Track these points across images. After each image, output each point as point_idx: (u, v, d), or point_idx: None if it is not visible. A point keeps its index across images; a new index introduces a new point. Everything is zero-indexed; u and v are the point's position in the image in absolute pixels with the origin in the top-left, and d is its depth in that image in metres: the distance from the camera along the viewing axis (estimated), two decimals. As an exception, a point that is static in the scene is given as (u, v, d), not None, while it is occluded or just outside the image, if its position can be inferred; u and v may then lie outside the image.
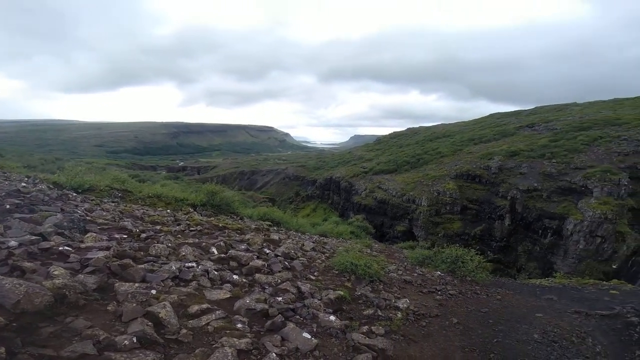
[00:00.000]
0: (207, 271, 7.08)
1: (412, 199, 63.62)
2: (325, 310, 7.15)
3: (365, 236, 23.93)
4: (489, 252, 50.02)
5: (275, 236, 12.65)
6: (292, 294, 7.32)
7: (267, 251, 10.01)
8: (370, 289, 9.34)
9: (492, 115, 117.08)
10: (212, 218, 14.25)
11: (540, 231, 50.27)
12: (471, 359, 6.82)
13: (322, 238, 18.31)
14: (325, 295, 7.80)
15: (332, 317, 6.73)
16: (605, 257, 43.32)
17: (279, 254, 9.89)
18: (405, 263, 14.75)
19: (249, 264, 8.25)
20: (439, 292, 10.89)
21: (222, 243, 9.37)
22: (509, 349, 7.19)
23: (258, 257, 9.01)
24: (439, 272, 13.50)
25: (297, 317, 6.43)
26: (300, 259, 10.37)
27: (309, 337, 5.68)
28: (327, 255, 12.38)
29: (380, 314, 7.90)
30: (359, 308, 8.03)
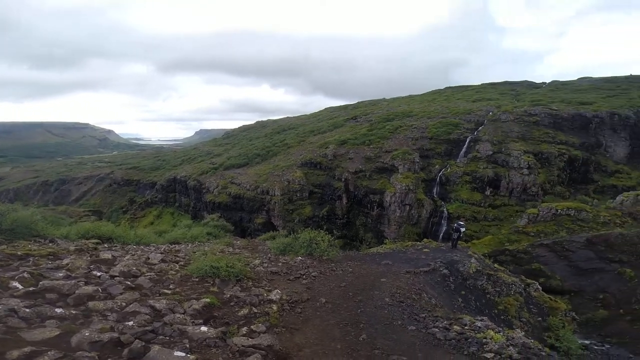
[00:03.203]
0: (13, 310, 5.88)
1: (266, 190, 65.09)
2: (193, 322, 6.59)
3: (224, 235, 22.75)
4: (335, 230, 56.68)
5: (107, 255, 10.74)
6: (146, 314, 6.44)
7: (98, 274, 8.43)
8: (239, 289, 8.99)
9: (326, 109, 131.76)
10: (5, 246, 10.54)
11: (369, 205, 60.67)
12: (348, 332, 7.41)
13: (174, 246, 16.37)
14: (190, 307, 7.19)
15: (204, 328, 6.26)
16: (414, 221, 56.09)
17: (117, 274, 8.53)
18: (269, 254, 14.90)
19: (74, 292, 6.86)
20: (304, 277, 11.46)
21: (26, 274, 7.42)
22: (372, 316, 8.17)
23: (87, 283, 7.57)
24: (300, 257, 14.19)
25: (161, 337, 5.73)
26: (147, 274, 9.13)
27: (183, 354, 5.16)
28: (182, 263, 11.28)
29: (256, 311, 7.76)
30: (233, 311, 7.68)
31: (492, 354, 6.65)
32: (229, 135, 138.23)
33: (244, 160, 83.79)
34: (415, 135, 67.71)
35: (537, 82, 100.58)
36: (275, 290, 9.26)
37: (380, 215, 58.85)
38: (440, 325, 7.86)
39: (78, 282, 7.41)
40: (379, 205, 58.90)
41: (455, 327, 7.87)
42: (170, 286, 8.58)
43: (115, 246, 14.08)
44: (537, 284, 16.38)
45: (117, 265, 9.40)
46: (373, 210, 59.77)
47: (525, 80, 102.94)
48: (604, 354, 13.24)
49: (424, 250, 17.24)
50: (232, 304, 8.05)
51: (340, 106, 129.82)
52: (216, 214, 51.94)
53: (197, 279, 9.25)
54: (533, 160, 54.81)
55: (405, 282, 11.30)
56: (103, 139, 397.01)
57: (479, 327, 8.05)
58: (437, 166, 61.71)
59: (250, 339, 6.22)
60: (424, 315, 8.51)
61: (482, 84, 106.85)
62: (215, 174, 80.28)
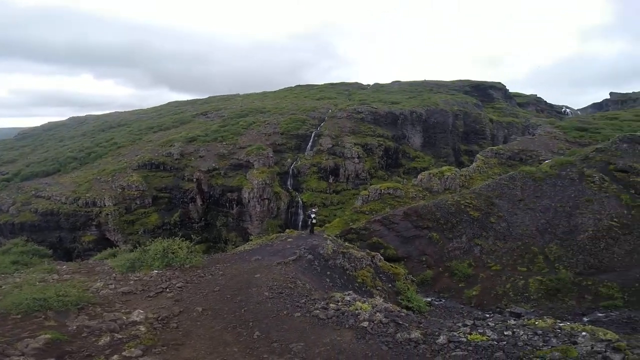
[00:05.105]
0: None
1: (92, 202, 53.54)
2: (42, 362, 5.67)
3: (40, 261, 17.82)
4: (193, 235, 51.81)
5: None
6: (-36, 366, 5.34)
7: None
8: (86, 317, 7.82)
9: (170, 104, 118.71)
10: None
11: (227, 204, 58.69)
12: (239, 333, 7.16)
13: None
14: (27, 346, 6.21)
15: (62, 367, 5.36)
16: (275, 214, 57.70)
17: None
18: (113, 274, 12.81)
19: None
20: (168, 290, 10.34)
21: None
22: (257, 312, 8.03)
23: None
24: (156, 271, 12.72)
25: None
26: None
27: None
28: (-16, 301, 9.03)
29: (120, 336, 6.95)
30: (90, 342, 6.79)
31: (367, 322, 7.64)
32: (27, 136, 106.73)
33: (53, 166, 66.37)
34: (269, 131, 69.55)
35: (364, 83, 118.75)
36: (136, 311, 8.16)
37: (241, 213, 57.89)
38: (319, 307, 8.42)
39: None
40: (239, 203, 57.84)
41: (331, 305, 8.57)
42: (-21, 329, 6.93)
43: None
44: (379, 255, 19.52)
45: None
46: (233, 208, 58.18)
47: (356, 82, 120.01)
48: (443, 307, 17.12)
49: (288, 240, 18.06)
50: (84, 335, 7.03)
51: (188, 100, 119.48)
52: (20, 237, 39.65)
53: (18, 316, 7.76)
54: (361, 151, 65.21)
55: (278, 274, 11.53)
56: None
57: (349, 301, 9.03)
58: (289, 160, 65.31)
59: (127, 367, 5.34)
60: (303, 300, 8.92)
61: (325, 84, 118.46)
62: (7, 187, 60.68)
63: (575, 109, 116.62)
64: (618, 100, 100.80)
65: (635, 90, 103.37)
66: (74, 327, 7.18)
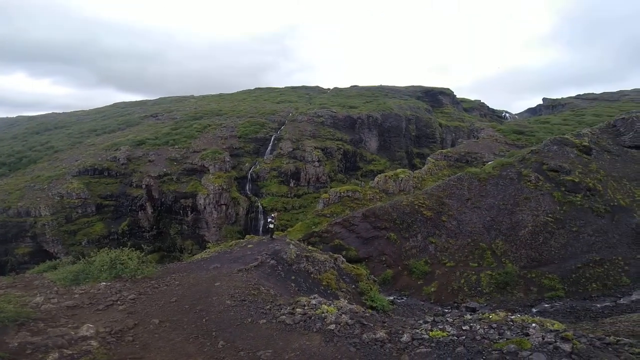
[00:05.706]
0: None
1: (25, 211, 48.33)
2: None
3: None
4: (144, 245, 48.61)
5: None
6: None
7: None
8: (29, 334, 7.26)
9: (116, 105, 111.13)
10: None
11: (181, 211, 55.77)
12: (202, 343, 6.80)
13: None
14: None
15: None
16: (233, 220, 55.97)
17: None
18: (55, 288, 11.78)
19: None
20: (119, 302, 9.70)
21: None
22: (220, 322, 7.67)
23: None
24: (104, 283, 11.84)
25: None
26: None
27: None
28: None
29: (70, 352, 6.55)
30: (36, 358, 6.40)
31: (334, 325, 7.64)
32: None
33: (-23, 172, 59.29)
34: (225, 134, 67.64)
35: (324, 87, 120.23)
36: (85, 325, 7.60)
37: (196, 220, 55.32)
38: (286, 312, 8.28)
39: None
40: (194, 209, 55.23)
41: (297, 309, 8.46)
42: None
43: None
44: (342, 257, 19.74)
45: None
46: (187, 215, 55.41)
47: (317, 86, 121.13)
48: (405, 305, 17.55)
49: (249, 246, 17.57)
50: (28, 352, 6.60)
51: (137, 101, 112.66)
52: None
53: (-56, 335, 6.95)
54: (321, 154, 65.81)
55: (240, 281, 11.19)
56: None
57: (315, 305, 8.97)
58: (247, 164, 63.94)
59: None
60: (268, 306, 8.72)
61: (286, 87, 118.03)
62: None
63: (514, 113, 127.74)
64: (550, 105, 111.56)
65: (564, 96, 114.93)
66: (16, 344, 6.59)
